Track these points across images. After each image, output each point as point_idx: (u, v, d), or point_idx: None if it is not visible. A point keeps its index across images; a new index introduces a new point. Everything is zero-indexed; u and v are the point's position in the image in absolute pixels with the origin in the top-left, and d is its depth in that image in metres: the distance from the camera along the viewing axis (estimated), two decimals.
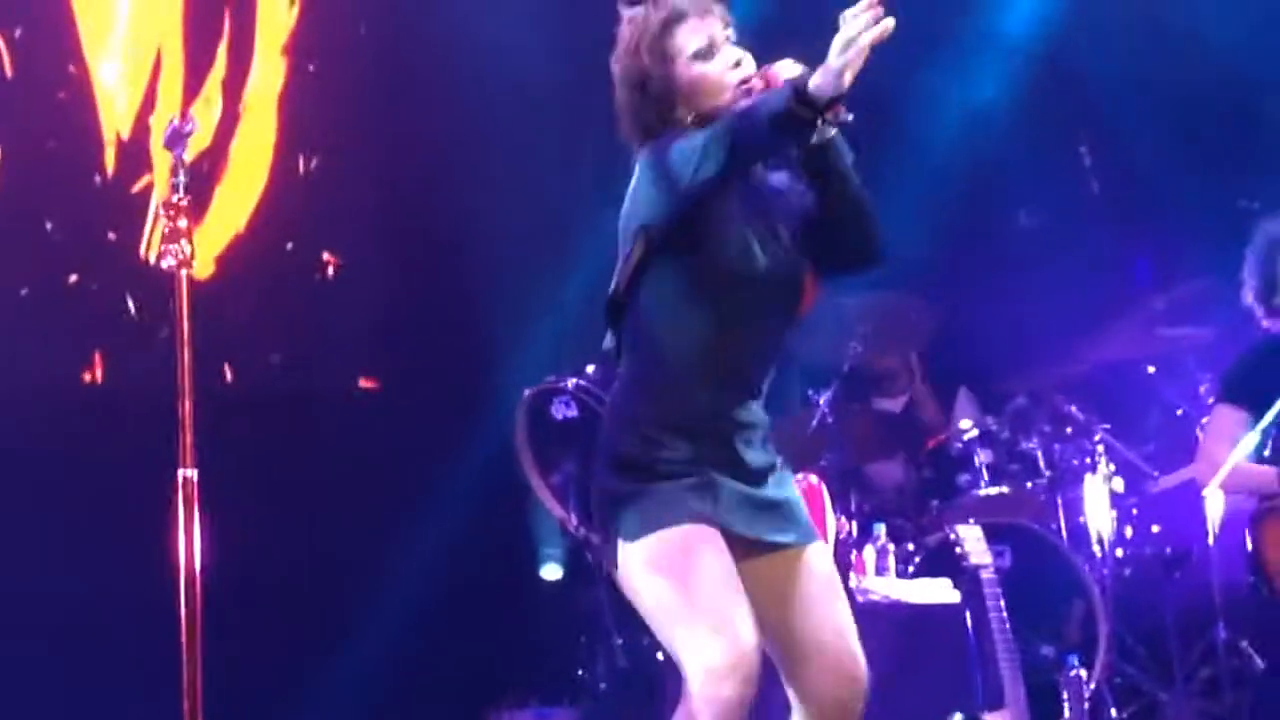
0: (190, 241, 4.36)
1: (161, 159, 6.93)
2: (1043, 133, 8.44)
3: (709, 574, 3.96)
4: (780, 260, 4.08)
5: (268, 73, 7.98)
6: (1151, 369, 7.70)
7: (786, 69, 4.02)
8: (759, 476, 4.11)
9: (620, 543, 4.06)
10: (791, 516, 4.15)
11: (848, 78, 3.73)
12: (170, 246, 4.34)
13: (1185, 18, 8.15)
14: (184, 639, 4.23)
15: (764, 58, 4.14)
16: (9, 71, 7.52)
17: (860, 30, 3.69)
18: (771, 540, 4.10)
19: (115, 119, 7.68)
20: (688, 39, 4.10)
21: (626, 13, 4.19)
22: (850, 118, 3.88)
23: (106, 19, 7.70)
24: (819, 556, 4.17)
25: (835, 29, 3.73)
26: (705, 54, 4.10)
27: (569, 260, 8.04)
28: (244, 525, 6.08)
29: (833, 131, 3.92)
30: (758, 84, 4.06)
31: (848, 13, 3.73)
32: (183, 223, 4.34)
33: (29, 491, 7.06)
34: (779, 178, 4.17)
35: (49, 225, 7.59)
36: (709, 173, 3.89)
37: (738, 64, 4.11)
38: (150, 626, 4.97)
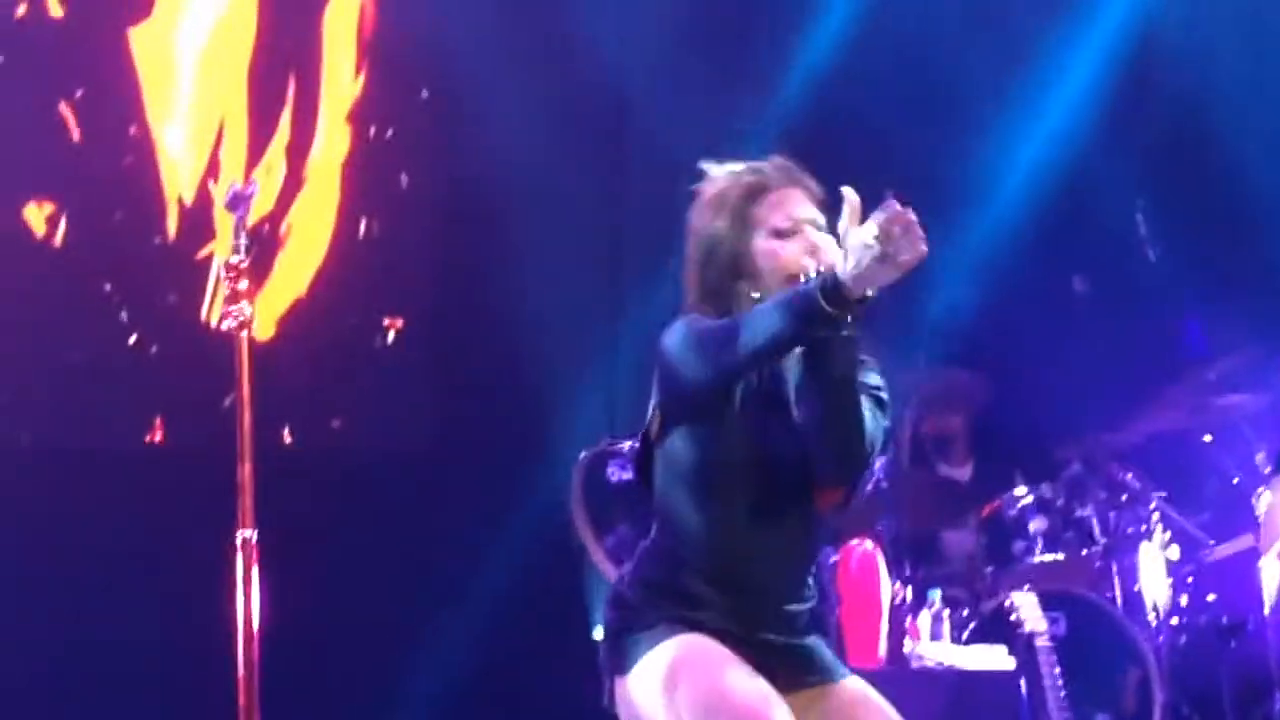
0: (251, 303, 4.39)
1: (223, 222, 7.00)
2: (1098, 198, 8.44)
3: (721, 668, 3.80)
4: (791, 452, 3.88)
5: (332, 140, 8.05)
6: (1208, 437, 7.67)
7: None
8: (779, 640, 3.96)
9: (621, 679, 3.91)
10: (812, 658, 3.98)
11: (878, 283, 3.63)
12: (231, 308, 4.36)
13: (1237, 90, 8.17)
14: (241, 698, 4.26)
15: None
16: (74, 135, 7.61)
17: (899, 248, 3.57)
18: (791, 679, 3.90)
19: (178, 183, 7.75)
20: (770, 213, 3.94)
21: (712, 171, 4.05)
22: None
23: (169, 83, 7.79)
24: (851, 689, 3.99)
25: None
26: (785, 233, 3.92)
27: (622, 323, 8.09)
28: (301, 585, 6.13)
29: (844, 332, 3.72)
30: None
31: (884, 220, 3.58)
32: (243, 284, 4.35)
33: (91, 551, 7.13)
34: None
35: (108, 287, 7.67)
36: (730, 366, 3.77)
37: (814, 251, 3.89)
38: (209, 685, 5.01)
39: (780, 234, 3.92)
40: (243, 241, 4.37)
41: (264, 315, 7.56)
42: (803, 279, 3.79)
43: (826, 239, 3.89)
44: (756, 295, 3.89)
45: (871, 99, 8.03)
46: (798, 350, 3.82)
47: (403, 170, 8.16)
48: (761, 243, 3.93)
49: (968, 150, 8.29)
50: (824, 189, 4.01)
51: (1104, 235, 8.45)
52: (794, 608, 3.97)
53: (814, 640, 4.03)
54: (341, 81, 8.10)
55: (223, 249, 7.30)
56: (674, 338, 3.88)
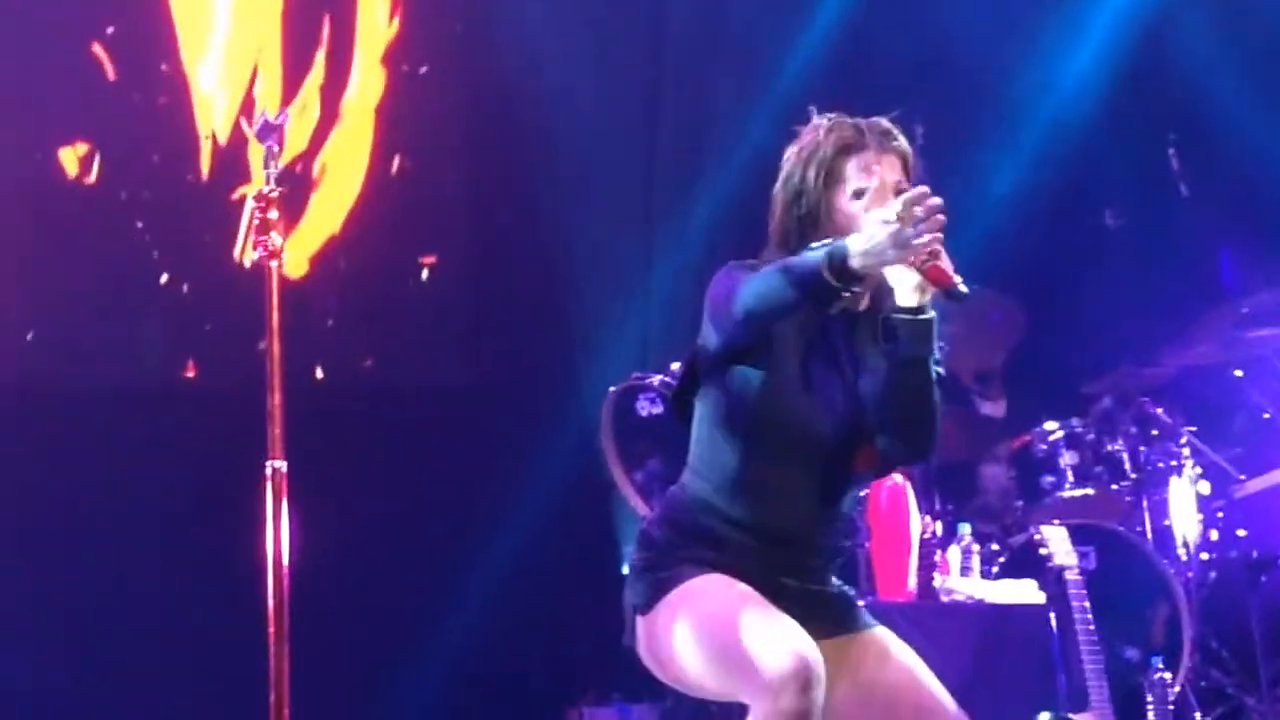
0: (280, 233, 4.39)
1: (256, 155, 7.02)
2: (1130, 133, 8.41)
3: (741, 601, 3.80)
4: (835, 410, 3.89)
5: (366, 81, 8.06)
6: (1239, 372, 7.65)
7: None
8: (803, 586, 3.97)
9: (642, 617, 3.94)
10: (835, 607, 3.99)
11: (887, 267, 3.66)
12: (260, 238, 4.37)
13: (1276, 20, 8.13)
14: (271, 629, 4.29)
15: None
16: (108, 74, 7.62)
17: (916, 231, 3.59)
18: (812, 629, 3.84)
19: (211, 122, 7.77)
20: (856, 173, 3.91)
21: (815, 119, 4.00)
22: (965, 291, 3.72)
23: (204, 22, 7.80)
24: (876, 641, 3.99)
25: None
26: (867, 195, 3.90)
27: (653, 259, 8.10)
28: (332, 519, 6.16)
29: (928, 314, 3.75)
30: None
31: (908, 198, 3.63)
32: (273, 214, 4.33)
33: (126, 487, 7.18)
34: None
35: (140, 224, 7.69)
36: (739, 316, 3.78)
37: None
38: (238, 616, 5.05)
39: (861, 195, 3.90)
40: (273, 171, 4.37)
41: (297, 253, 7.60)
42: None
43: None
44: None
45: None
46: (864, 309, 3.87)
47: (435, 106, 8.16)
48: (843, 201, 3.91)
49: (1002, 82, 8.27)
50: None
51: (1136, 170, 8.43)
52: (819, 561, 3.99)
53: (838, 588, 4.04)
54: (376, 24, 8.09)
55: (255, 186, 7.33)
56: (713, 285, 3.90)
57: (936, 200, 3.62)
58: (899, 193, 3.80)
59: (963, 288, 3.73)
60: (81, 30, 7.62)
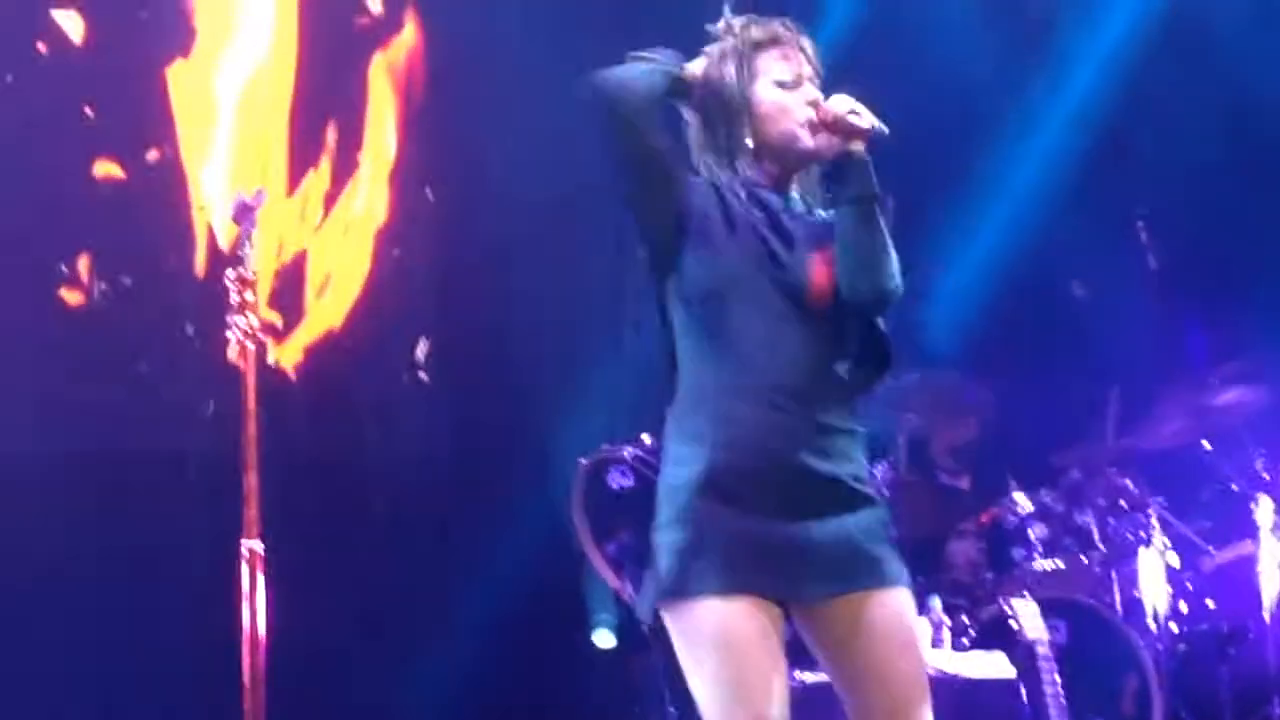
0: (255, 313, 4.40)
1: (230, 233, 7.03)
2: (1098, 205, 8.46)
3: (735, 646, 3.85)
4: (782, 264, 4.03)
5: (372, 200, 8.14)
6: (1207, 444, 7.68)
7: (839, 103, 4.08)
8: (821, 499, 3.96)
9: (663, 605, 3.98)
10: (845, 559, 3.97)
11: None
12: (235, 319, 4.38)
13: (1244, 92, 8.19)
14: (247, 705, 4.27)
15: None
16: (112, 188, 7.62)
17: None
18: (813, 593, 3.95)
19: (207, 218, 7.74)
20: (774, 65, 4.12)
21: (722, 24, 4.19)
22: (884, 130, 4.06)
23: (208, 123, 7.80)
24: (864, 608, 3.98)
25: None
26: (788, 85, 4.11)
27: (623, 331, 8.11)
28: (304, 591, 6.12)
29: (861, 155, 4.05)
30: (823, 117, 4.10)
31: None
32: (249, 295, 4.37)
33: (103, 555, 7.18)
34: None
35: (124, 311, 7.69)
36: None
37: (813, 103, 4.09)
38: (215, 692, 5.03)
39: (782, 85, 4.11)
40: (248, 252, 4.38)
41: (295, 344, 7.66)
42: (801, 133, 4.06)
43: (820, 95, 4.11)
44: (753, 145, 4.09)
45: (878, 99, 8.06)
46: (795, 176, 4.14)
47: (405, 183, 8.21)
48: (766, 91, 4.10)
49: (970, 152, 8.31)
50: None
51: (1104, 241, 8.47)
52: (833, 422, 4.00)
53: (868, 520, 4.01)
54: (384, 142, 8.15)
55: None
56: None
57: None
58: (810, 81, 4.12)
59: (883, 127, 4.08)
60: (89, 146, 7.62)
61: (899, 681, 3.98)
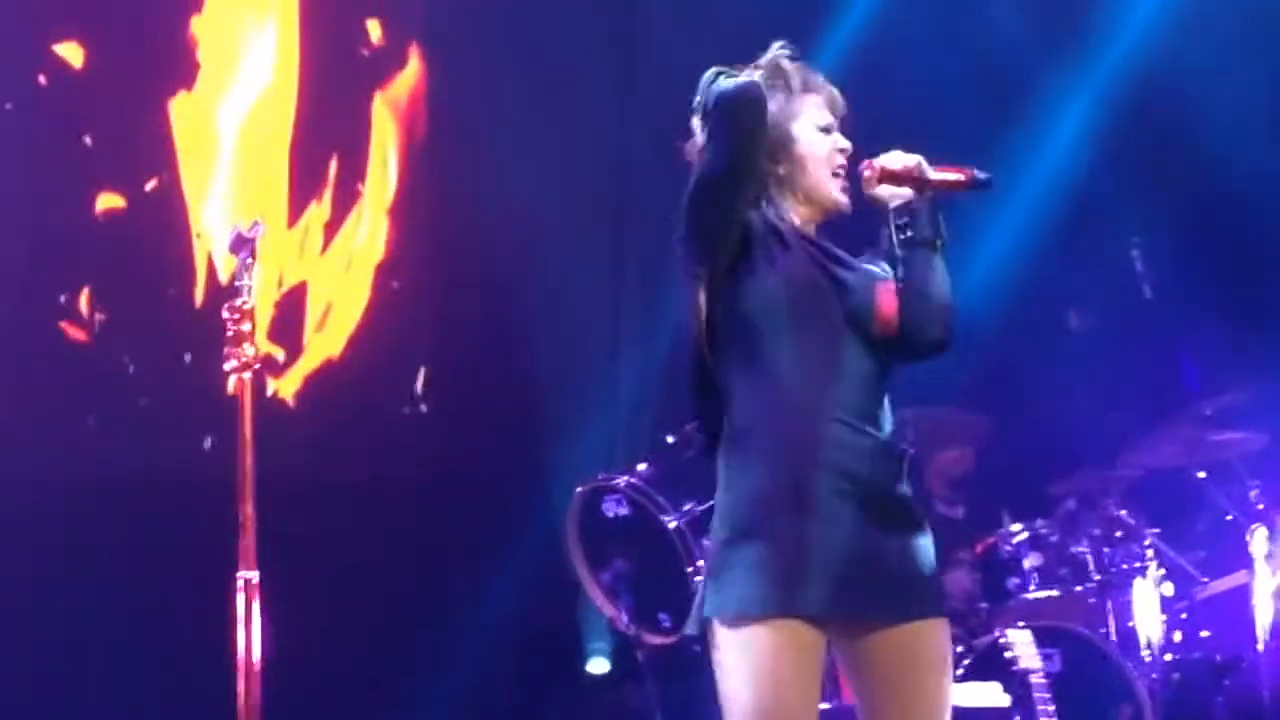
0: (253, 344, 4.42)
1: (228, 264, 7.07)
2: (1094, 235, 8.49)
3: (779, 680, 3.89)
4: (846, 287, 4.09)
5: (374, 234, 8.16)
6: (1202, 474, 7.69)
7: (893, 160, 4.16)
8: (892, 516, 4.01)
9: (711, 621, 4.01)
10: (909, 581, 4.02)
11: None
12: (233, 350, 4.40)
13: (1235, 128, 8.23)
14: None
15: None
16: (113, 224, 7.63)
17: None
18: (876, 612, 3.98)
19: (206, 251, 7.79)
20: (815, 111, 4.19)
21: (768, 58, 4.22)
22: (985, 177, 4.25)
23: (209, 156, 7.84)
24: (918, 637, 4.02)
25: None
26: (825, 129, 4.19)
27: (619, 360, 8.14)
28: (300, 617, 6.16)
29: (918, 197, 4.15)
30: (866, 172, 4.17)
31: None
32: (246, 326, 4.39)
33: (98, 582, 7.19)
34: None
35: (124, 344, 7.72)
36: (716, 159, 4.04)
37: (844, 151, 4.19)
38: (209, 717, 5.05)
39: (828, 130, 4.20)
40: (245, 283, 4.40)
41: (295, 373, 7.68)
42: (831, 181, 4.17)
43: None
44: (786, 181, 4.15)
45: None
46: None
47: (407, 219, 8.24)
48: (804, 133, 4.17)
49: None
50: None
51: (1100, 270, 8.50)
52: (894, 442, 4.07)
53: (925, 544, 4.06)
54: (386, 175, 8.17)
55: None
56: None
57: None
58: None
59: (982, 175, 4.27)
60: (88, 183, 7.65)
61: (931, 712, 4.02)
